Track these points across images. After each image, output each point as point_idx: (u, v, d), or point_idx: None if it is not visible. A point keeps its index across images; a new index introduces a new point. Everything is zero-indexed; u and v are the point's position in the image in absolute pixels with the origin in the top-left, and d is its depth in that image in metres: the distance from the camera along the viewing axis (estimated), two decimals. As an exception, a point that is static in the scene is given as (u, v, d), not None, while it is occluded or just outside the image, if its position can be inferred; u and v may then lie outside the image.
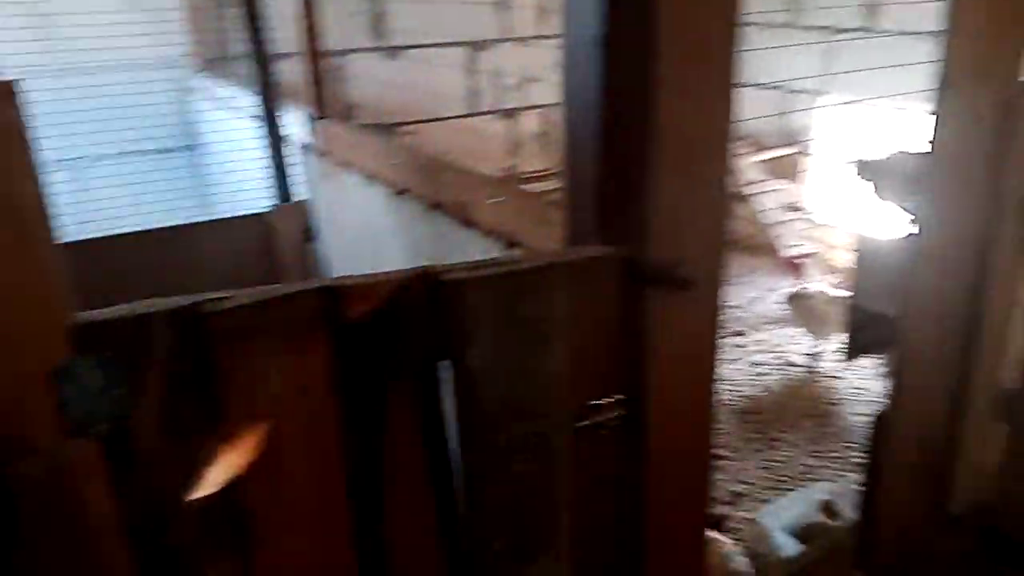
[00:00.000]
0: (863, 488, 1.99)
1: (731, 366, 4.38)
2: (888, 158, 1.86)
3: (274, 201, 3.72)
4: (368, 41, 5.83)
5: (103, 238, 3.83)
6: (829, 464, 3.48)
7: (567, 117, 1.40)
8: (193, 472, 1.06)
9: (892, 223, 1.83)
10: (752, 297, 5.30)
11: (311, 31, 3.42)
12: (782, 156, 5.86)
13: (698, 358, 1.47)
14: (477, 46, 6.12)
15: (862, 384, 4.18)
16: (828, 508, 2.60)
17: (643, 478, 1.45)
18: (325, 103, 3.52)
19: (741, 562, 2.37)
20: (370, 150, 3.01)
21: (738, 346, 4.65)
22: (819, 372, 4.34)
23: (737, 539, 2.47)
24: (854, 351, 2.47)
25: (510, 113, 6.22)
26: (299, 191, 3.73)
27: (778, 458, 3.51)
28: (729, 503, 3.21)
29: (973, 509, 2.02)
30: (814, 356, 4.44)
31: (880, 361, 3.33)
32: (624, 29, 1.25)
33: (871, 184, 1.86)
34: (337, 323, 1.11)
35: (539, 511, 1.33)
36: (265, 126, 3.64)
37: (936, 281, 1.79)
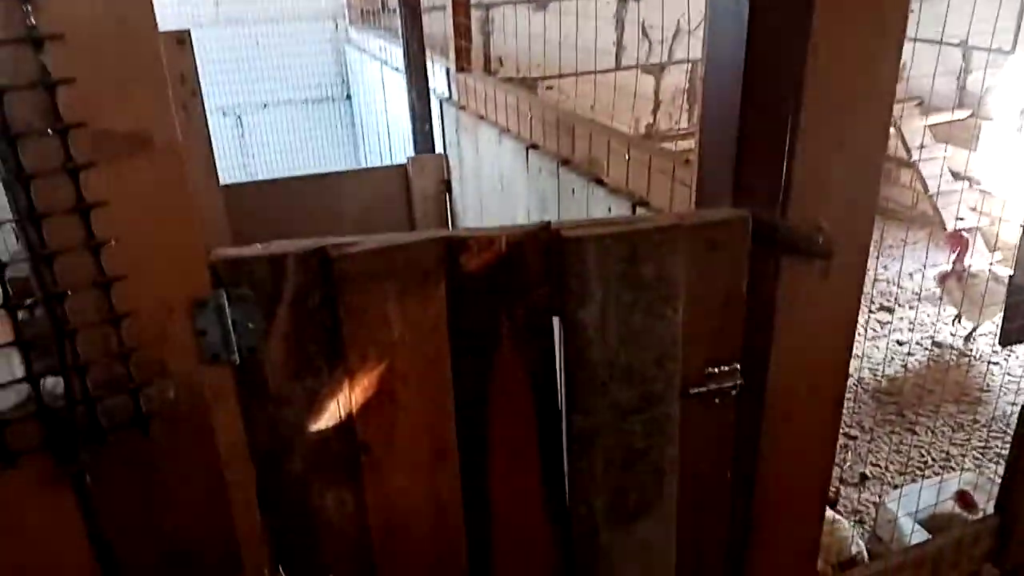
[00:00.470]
0: (1004, 482, 1.86)
1: (873, 343, 4.15)
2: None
3: (414, 152, 3.82)
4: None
5: (256, 183, 4.08)
6: (970, 454, 3.26)
7: (708, 70, 1.34)
8: (315, 404, 1.14)
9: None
10: (906, 271, 4.95)
11: (458, -18, 3.45)
12: (956, 120, 5.36)
13: (832, 333, 1.40)
14: (626, -2, 5.95)
15: (1020, 372, 3.86)
16: (964, 499, 2.44)
17: (757, 450, 1.41)
18: (468, 56, 3.56)
19: (859, 545, 2.27)
20: (505, 104, 3.03)
21: (883, 323, 4.38)
22: (971, 356, 4.03)
23: (858, 522, 2.37)
24: (1011, 336, 2.27)
25: (656, 67, 6.05)
26: (439, 143, 3.81)
27: (915, 443, 3.31)
28: (855, 484, 3.07)
29: None
30: (966, 339, 4.12)
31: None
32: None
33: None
34: (456, 273, 1.14)
35: (644, 473, 1.33)
36: (410, 78, 3.73)
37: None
